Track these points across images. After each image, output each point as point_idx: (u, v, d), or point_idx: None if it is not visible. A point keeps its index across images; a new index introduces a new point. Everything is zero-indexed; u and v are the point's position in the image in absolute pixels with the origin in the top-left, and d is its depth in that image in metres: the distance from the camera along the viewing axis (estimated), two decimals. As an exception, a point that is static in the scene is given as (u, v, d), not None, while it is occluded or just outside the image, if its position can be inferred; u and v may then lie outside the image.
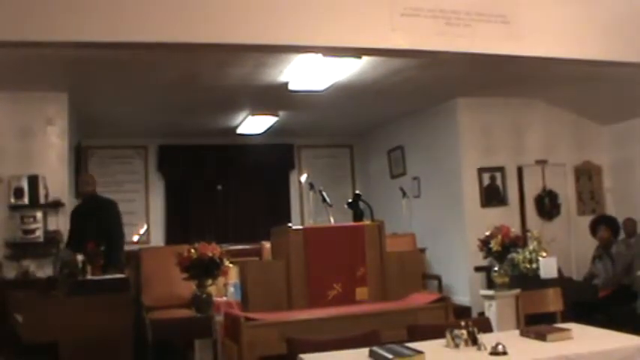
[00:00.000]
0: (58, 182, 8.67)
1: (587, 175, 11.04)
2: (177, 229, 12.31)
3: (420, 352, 4.01)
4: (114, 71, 7.84)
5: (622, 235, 9.76)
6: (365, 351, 4.18)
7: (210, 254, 6.22)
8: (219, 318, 6.32)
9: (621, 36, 6.05)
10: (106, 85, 8.59)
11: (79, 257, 6.46)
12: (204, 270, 6.23)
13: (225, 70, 8.14)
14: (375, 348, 4.13)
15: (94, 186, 8.36)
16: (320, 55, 6.99)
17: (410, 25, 5.31)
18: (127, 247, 10.26)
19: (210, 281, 6.32)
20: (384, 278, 6.81)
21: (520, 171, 10.50)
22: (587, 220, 10.12)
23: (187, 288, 6.59)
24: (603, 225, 9.75)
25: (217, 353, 6.33)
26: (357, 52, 6.57)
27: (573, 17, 5.95)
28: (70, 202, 8.74)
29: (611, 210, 10.75)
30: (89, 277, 6.50)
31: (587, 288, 9.12)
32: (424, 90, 9.69)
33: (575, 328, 4.72)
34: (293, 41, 5.27)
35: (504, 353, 4.02)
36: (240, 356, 5.66)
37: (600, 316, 7.43)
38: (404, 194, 11.55)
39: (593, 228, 9.85)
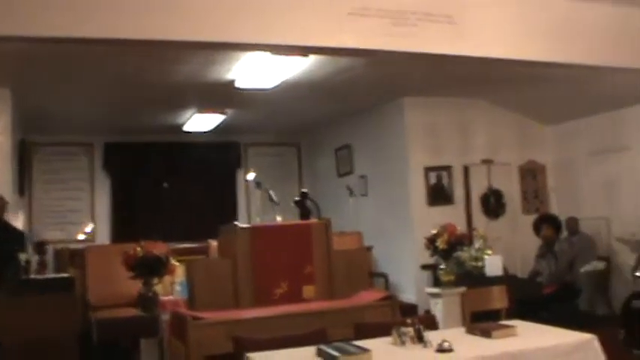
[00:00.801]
0: (0, 180, 8.51)
1: (531, 175, 11.18)
2: (124, 228, 12.18)
3: (366, 350, 4.03)
4: (57, 66, 7.71)
5: (565, 234, 9.93)
6: (312, 349, 4.18)
7: (156, 253, 6.18)
8: (165, 317, 6.27)
9: (563, 38, 6.14)
10: (50, 80, 8.44)
11: (22, 256, 6.37)
12: (151, 268, 6.19)
13: (172, 67, 8.07)
14: (322, 346, 4.14)
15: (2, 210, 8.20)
16: (268, 53, 6.97)
17: (357, 24, 5.32)
18: (72, 246, 10.18)
19: (156, 280, 6.29)
20: (330, 276, 6.82)
21: (466, 170, 10.60)
22: (532, 218, 10.30)
23: (134, 287, 6.54)
24: (546, 223, 9.95)
25: (163, 352, 6.30)
26: (306, 51, 6.57)
27: (517, 19, 6.02)
28: (13, 200, 8.57)
29: (554, 209, 10.92)
30: (33, 276, 6.41)
31: (532, 285, 9.25)
32: (371, 89, 9.72)
33: (519, 325, 4.79)
34: (241, 39, 5.25)
35: (450, 350, 4.06)
36: (187, 355, 5.63)
37: (544, 313, 7.53)
38: (351, 193, 11.56)
39: (537, 226, 10.03)
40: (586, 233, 9.88)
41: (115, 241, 11.75)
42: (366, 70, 8.51)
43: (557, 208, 10.92)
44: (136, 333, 6.46)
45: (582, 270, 9.22)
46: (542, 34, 6.08)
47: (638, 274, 8.19)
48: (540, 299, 8.77)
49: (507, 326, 4.70)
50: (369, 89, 9.72)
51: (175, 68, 8.11)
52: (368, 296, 6.69)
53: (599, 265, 9.36)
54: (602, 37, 6.23)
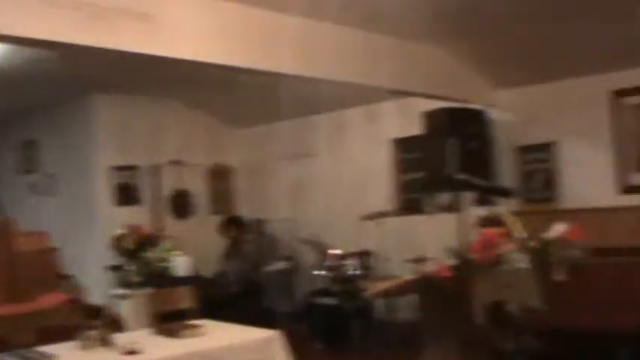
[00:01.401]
0: None
1: (220, 176, 11.41)
2: None
3: (51, 356, 3.89)
4: None
5: (251, 235, 10.26)
6: (-8, 358, 3.98)
7: None
8: None
9: (257, 45, 6.32)
10: None
11: None
12: None
13: None
14: (3, 355, 3.94)
15: None
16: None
17: (47, 14, 5.10)
18: None
19: None
20: (12, 279, 6.55)
21: (156, 170, 10.57)
22: (220, 219, 10.51)
23: None
24: (233, 224, 10.25)
25: None
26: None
27: (213, 23, 6.09)
28: None
29: (242, 210, 11.23)
30: None
31: (219, 285, 9.47)
32: (61, 83, 9.36)
33: (207, 324, 4.90)
34: None
35: (138, 352, 4.03)
36: None
37: (231, 312, 7.72)
38: (36, 191, 11.13)
39: (224, 227, 10.29)
40: (271, 234, 10.30)
41: None
42: (55, 64, 8.18)
43: (245, 209, 11.23)
44: None
45: (267, 269, 9.59)
46: (236, 40, 6.21)
47: (317, 272, 8.65)
48: (227, 298, 9.02)
49: (195, 326, 4.78)
50: (58, 84, 9.36)
51: None
52: (53, 299, 6.49)
53: (283, 264, 9.79)
54: (294, 47, 6.49)
